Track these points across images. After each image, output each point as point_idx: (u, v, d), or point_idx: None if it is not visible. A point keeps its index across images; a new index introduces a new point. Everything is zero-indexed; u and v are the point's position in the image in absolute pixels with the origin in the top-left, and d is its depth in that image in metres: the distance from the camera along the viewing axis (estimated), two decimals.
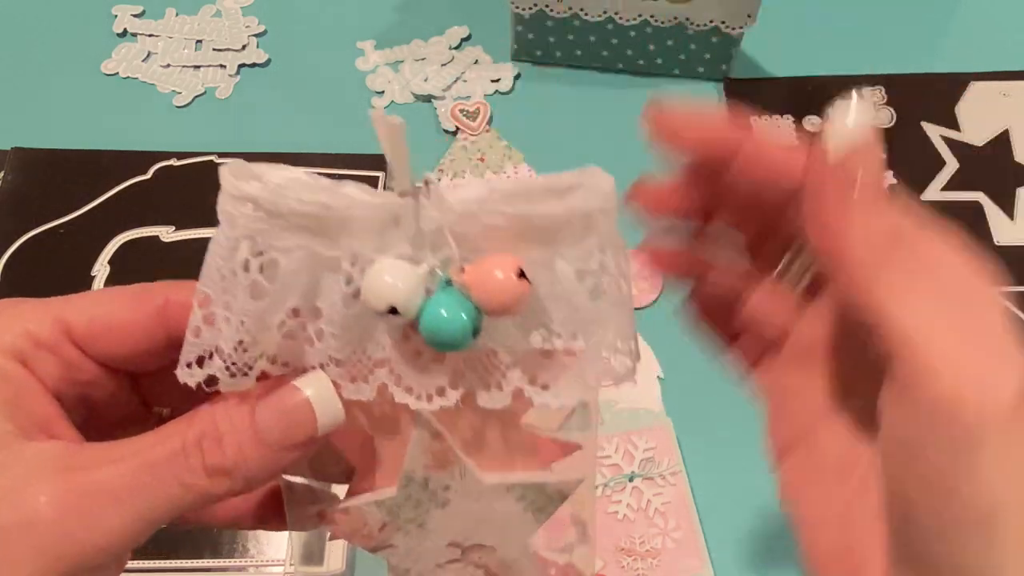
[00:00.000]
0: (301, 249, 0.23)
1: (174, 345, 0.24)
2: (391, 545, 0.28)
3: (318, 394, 0.24)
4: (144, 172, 0.63)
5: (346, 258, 0.23)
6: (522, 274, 0.22)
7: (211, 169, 0.63)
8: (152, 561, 0.49)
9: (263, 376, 0.24)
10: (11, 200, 0.62)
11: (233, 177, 0.23)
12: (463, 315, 0.22)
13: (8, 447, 0.23)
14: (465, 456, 0.26)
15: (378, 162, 0.63)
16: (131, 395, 0.28)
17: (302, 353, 0.24)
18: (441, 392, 0.24)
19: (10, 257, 0.59)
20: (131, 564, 0.49)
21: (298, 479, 0.27)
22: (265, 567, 0.49)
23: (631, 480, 0.50)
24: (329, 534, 0.28)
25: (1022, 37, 0.71)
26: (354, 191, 0.23)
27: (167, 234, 0.60)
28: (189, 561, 0.49)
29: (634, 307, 0.28)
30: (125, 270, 0.59)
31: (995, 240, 0.60)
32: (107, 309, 0.25)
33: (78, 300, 0.26)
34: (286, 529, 0.27)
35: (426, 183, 0.23)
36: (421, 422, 0.25)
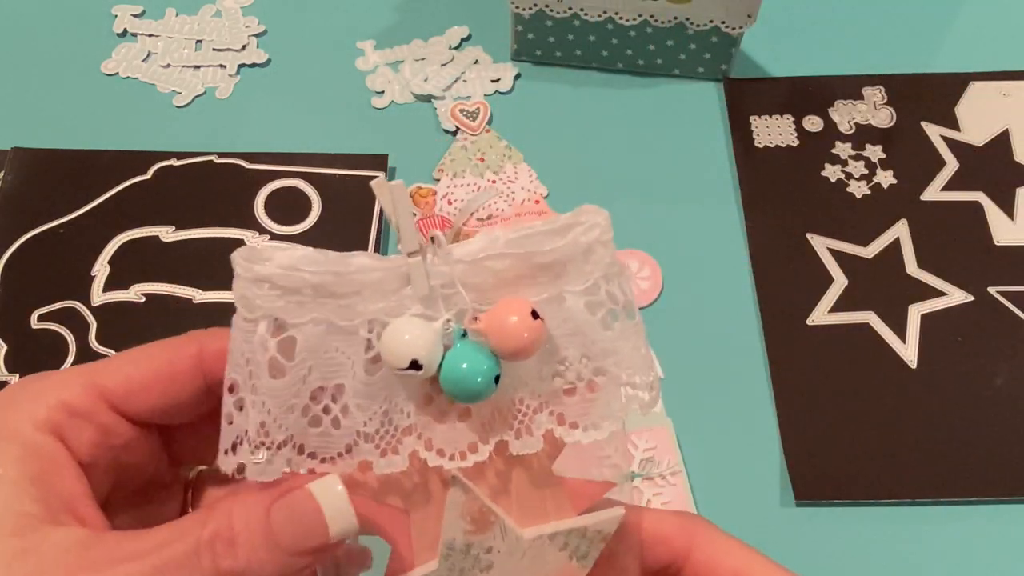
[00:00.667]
0: (317, 323, 0.23)
1: (213, 393, 0.25)
2: None
3: (330, 503, 0.23)
4: (144, 172, 0.63)
5: (363, 325, 0.23)
6: (535, 315, 0.22)
7: (211, 169, 0.63)
8: None
9: (289, 471, 0.24)
10: (11, 200, 0.62)
11: (246, 261, 0.23)
12: (483, 364, 0.23)
13: (33, 532, 0.23)
14: (502, 513, 0.25)
15: (378, 162, 0.63)
16: (161, 455, 0.28)
17: (329, 438, 0.24)
18: (474, 448, 0.24)
19: (10, 257, 0.59)
20: None
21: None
22: None
23: (631, 480, 0.50)
24: None
25: (1022, 37, 0.71)
26: (363, 259, 0.23)
27: (167, 234, 0.60)
28: None
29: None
30: (125, 270, 0.59)
31: (995, 240, 0.60)
32: (144, 366, 0.26)
33: (111, 362, 0.26)
34: None
35: (432, 240, 0.23)
36: (455, 485, 0.25)
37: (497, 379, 0.23)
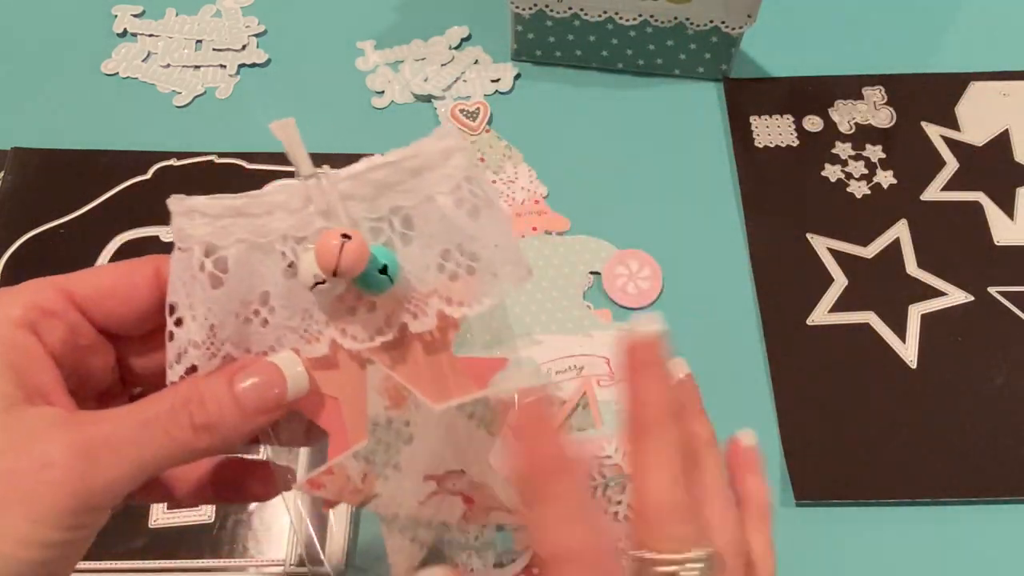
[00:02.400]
0: (241, 242, 0.29)
1: (162, 310, 0.29)
2: (376, 495, 0.32)
3: (286, 366, 0.29)
4: (144, 172, 0.63)
5: (278, 241, 0.29)
6: (347, 236, 0.28)
7: (211, 169, 0.63)
8: (152, 561, 0.49)
9: (230, 360, 0.29)
10: (11, 200, 0.62)
11: (178, 199, 0.29)
12: (379, 271, 0.28)
13: (15, 408, 0.26)
14: (413, 389, 0.30)
15: None
16: (115, 372, 0.31)
17: (261, 335, 0.29)
18: (380, 332, 0.30)
19: (10, 257, 0.59)
20: (132, 564, 0.49)
21: (269, 448, 0.32)
22: (265, 567, 0.49)
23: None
24: (323, 504, 0.32)
25: (1022, 37, 0.71)
26: (270, 185, 0.29)
27: (167, 234, 0.60)
28: (189, 561, 0.49)
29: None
30: None
31: (995, 240, 0.60)
32: (108, 277, 0.30)
33: (79, 273, 0.30)
34: (242, 501, 0.32)
35: (321, 168, 0.29)
36: (371, 365, 0.30)
37: (393, 277, 0.28)
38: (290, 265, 0.29)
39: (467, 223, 0.29)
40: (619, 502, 0.49)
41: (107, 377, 0.31)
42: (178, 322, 0.29)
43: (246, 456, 0.34)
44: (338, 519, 0.50)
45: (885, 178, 0.63)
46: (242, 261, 0.29)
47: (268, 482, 0.33)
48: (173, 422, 0.27)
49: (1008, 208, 0.62)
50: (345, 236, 0.28)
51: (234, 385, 0.28)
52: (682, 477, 0.29)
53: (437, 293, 0.30)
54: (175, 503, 0.35)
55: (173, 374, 0.29)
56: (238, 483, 0.34)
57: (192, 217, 0.29)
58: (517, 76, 0.69)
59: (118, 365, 0.31)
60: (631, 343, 0.31)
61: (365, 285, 0.29)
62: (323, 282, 0.28)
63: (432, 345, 0.31)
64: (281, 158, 0.67)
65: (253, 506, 0.51)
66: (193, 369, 0.29)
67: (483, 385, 0.31)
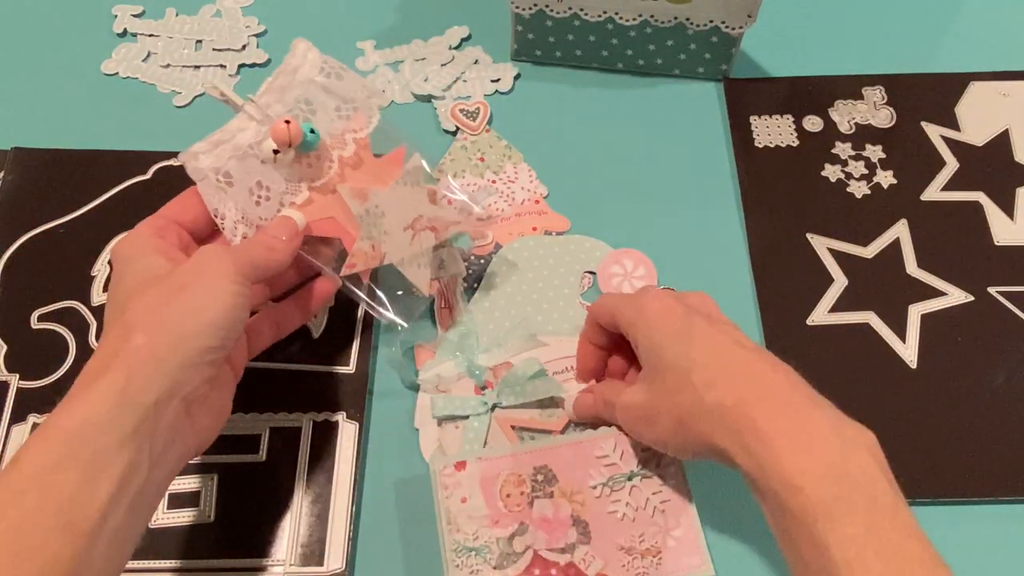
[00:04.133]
0: (231, 158, 0.48)
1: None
2: (384, 253, 0.50)
3: (289, 213, 0.48)
4: (144, 172, 0.63)
5: (248, 148, 0.48)
6: (287, 122, 0.47)
7: None
8: (153, 561, 0.49)
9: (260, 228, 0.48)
10: (11, 200, 0.62)
11: (184, 155, 0.48)
12: (308, 135, 0.48)
13: (178, 256, 0.46)
14: (368, 185, 0.50)
15: None
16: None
17: (268, 208, 0.49)
18: (328, 168, 0.50)
19: (10, 257, 0.59)
20: (132, 564, 0.49)
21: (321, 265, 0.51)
22: (265, 567, 0.49)
23: (630, 479, 0.50)
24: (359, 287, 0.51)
25: (1022, 37, 0.71)
26: (230, 122, 0.48)
27: None
28: (189, 561, 0.49)
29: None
30: None
31: (995, 240, 0.60)
32: (191, 207, 0.48)
33: (166, 208, 0.49)
34: (320, 302, 0.53)
35: (246, 99, 0.49)
36: (340, 189, 0.49)
37: (312, 132, 0.48)
38: (263, 162, 0.48)
39: (339, 85, 0.50)
40: (618, 501, 0.49)
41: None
42: (222, 217, 0.48)
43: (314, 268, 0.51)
44: (338, 520, 0.50)
45: (885, 178, 0.63)
46: (236, 168, 0.47)
47: (327, 284, 0.52)
48: (258, 245, 0.46)
49: (1008, 208, 0.62)
50: (286, 122, 0.47)
51: (270, 229, 0.47)
52: None
53: (345, 130, 0.50)
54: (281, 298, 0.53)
55: (232, 234, 0.48)
56: (309, 295, 0.52)
57: (196, 158, 0.47)
58: (517, 76, 0.69)
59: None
60: None
61: (306, 147, 0.48)
62: (278, 151, 0.47)
63: (361, 160, 0.51)
64: None
65: (253, 506, 0.51)
66: (244, 236, 0.48)
67: (399, 166, 0.51)
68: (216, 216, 0.47)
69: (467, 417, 0.53)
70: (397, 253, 0.50)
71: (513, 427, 0.53)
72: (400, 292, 0.53)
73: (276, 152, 0.47)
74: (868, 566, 0.36)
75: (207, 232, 0.49)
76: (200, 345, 0.40)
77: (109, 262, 0.46)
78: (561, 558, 0.48)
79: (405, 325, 0.53)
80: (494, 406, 0.53)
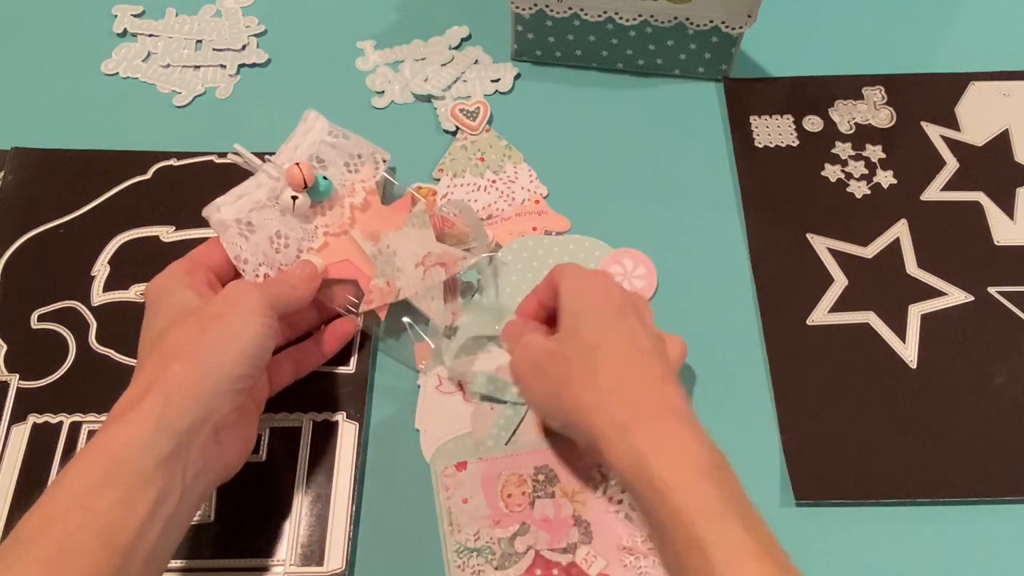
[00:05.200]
0: (251, 211, 0.52)
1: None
2: (399, 288, 0.53)
3: (309, 257, 0.52)
4: (144, 172, 0.63)
5: (266, 201, 0.53)
6: (299, 166, 0.52)
7: (211, 169, 0.63)
8: None
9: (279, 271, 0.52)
10: (11, 200, 0.62)
11: (209, 209, 0.51)
12: (321, 184, 0.53)
13: (210, 290, 0.49)
14: (380, 229, 0.55)
15: None
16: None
17: (287, 255, 0.52)
18: (340, 215, 0.54)
19: (10, 257, 0.59)
20: None
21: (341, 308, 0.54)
22: (265, 567, 0.49)
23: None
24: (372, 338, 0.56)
25: (1022, 37, 0.71)
26: (249, 180, 0.53)
27: (167, 234, 0.60)
28: (190, 561, 0.49)
29: None
30: (125, 270, 0.59)
31: (995, 240, 0.60)
32: (216, 254, 0.51)
33: (195, 253, 0.51)
34: (337, 343, 0.55)
35: (264, 159, 0.54)
36: (352, 231, 0.54)
37: (325, 179, 0.54)
38: (281, 212, 0.53)
39: (346, 143, 0.56)
40: (620, 501, 0.49)
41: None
42: (244, 262, 0.51)
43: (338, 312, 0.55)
44: (338, 520, 0.50)
45: (885, 178, 0.63)
46: (256, 219, 0.52)
47: (346, 324, 0.55)
48: (282, 283, 0.49)
49: (1008, 208, 0.62)
50: (296, 164, 0.52)
51: (293, 272, 0.51)
52: None
53: (355, 181, 0.55)
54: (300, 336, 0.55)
55: (252, 276, 0.51)
56: (328, 335, 0.55)
57: (219, 210, 0.51)
58: (517, 76, 0.69)
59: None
60: None
61: (318, 195, 0.53)
62: (296, 197, 0.52)
63: (370, 205, 0.55)
64: None
65: (253, 506, 0.51)
66: (266, 277, 0.51)
67: (407, 210, 0.56)
68: (238, 261, 0.50)
69: (504, 402, 0.53)
70: (411, 288, 0.53)
71: (543, 426, 0.53)
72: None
73: (295, 198, 0.52)
74: (746, 564, 0.37)
75: (230, 276, 0.51)
76: (232, 373, 0.43)
77: (142, 298, 0.48)
78: (563, 558, 0.48)
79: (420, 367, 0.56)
80: None
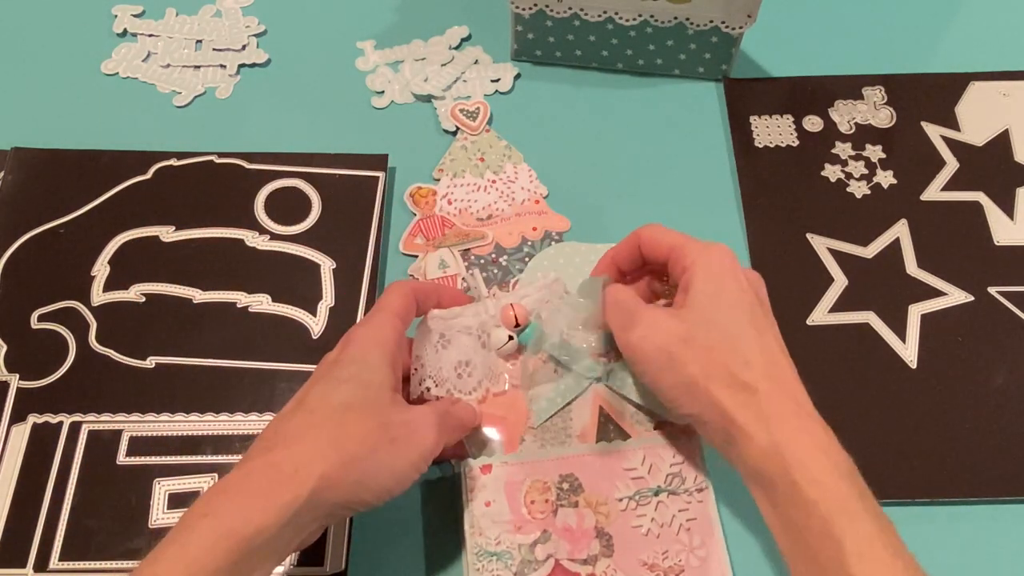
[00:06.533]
0: (457, 332, 0.51)
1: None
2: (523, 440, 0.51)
3: (470, 407, 0.51)
4: (144, 172, 0.63)
5: (474, 330, 0.51)
6: (512, 307, 0.51)
7: (211, 169, 0.63)
8: None
9: (449, 393, 0.51)
10: (11, 200, 0.62)
11: (432, 312, 0.51)
12: (527, 333, 0.51)
13: (396, 395, 0.46)
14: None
15: (379, 162, 0.63)
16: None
17: (464, 384, 0.51)
18: (522, 360, 0.52)
19: (10, 257, 0.59)
20: (133, 564, 0.49)
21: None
22: None
23: (657, 494, 0.49)
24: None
25: (1022, 37, 0.71)
26: (469, 306, 0.52)
27: (167, 234, 0.60)
28: None
29: None
30: (125, 270, 0.59)
31: (995, 240, 0.60)
32: (411, 299, 0.50)
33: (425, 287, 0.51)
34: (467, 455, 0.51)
35: (489, 293, 0.57)
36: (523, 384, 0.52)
37: (536, 340, 0.52)
38: (483, 345, 0.51)
39: (570, 312, 0.52)
40: (643, 515, 0.49)
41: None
42: (420, 364, 0.51)
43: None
44: (337, 522, 0.50)
45: (885, 178, 0.63)
46: (456, 341, 0.51)
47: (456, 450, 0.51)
48: (456, 426, 0.49)
49: (1008, 208, 0.62)
50: (511, 306, 0.51)
51: (458, 411, 0.49)
52: None
53: (555, 339, 0.51)
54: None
55: (415, 391, 0.51)
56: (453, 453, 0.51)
57: (433, 319, 0.51)
58: (517, 76, 0.69)
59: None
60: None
61: (525, 339, 0.51)
62: (511, 338, 0.51)
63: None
64: (282, 158, 0.68)
65: None
66: (427, 390, 0.51)
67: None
68: (416, 361, 0.50)
69: (571, 370, 0.51)
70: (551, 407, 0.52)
71: (601, 409, 0.51)
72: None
73: (511, 338, 0.51)
74: (879, 557, 0.39)
75: (415, 314, 0.51)
76: (366, 500, 0.44)
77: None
78: (583, 569, 0.47)
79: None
80: (599, 379, 0.51)
